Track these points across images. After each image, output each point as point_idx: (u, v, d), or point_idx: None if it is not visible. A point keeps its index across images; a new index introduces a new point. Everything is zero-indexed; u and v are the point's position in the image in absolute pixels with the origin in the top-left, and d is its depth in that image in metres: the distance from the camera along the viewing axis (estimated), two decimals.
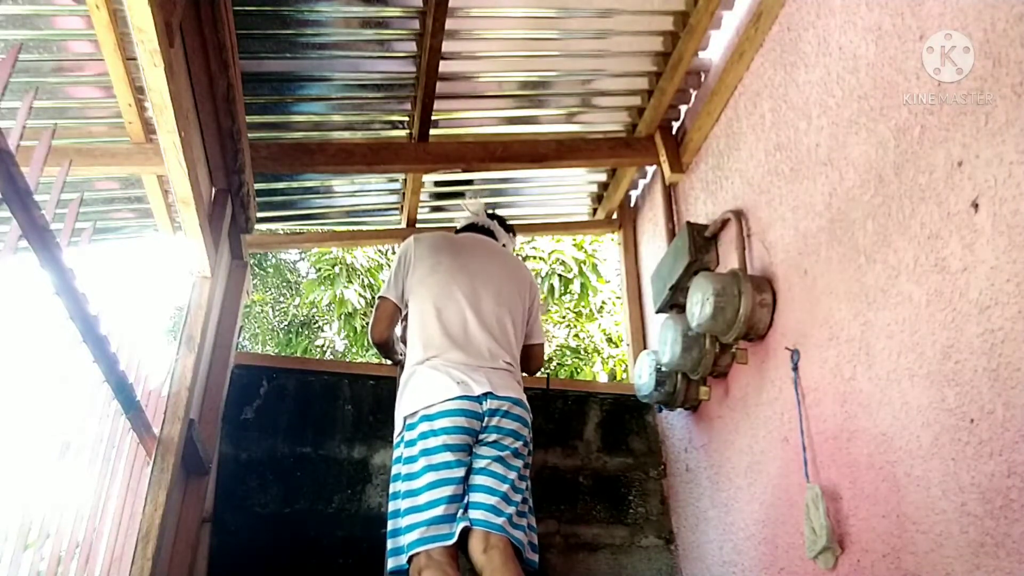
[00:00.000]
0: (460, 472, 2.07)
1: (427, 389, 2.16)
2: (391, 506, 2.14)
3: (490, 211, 2.86)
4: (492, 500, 2.05)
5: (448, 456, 2.07)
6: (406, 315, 2.45)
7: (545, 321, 7.63)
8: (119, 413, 1.96)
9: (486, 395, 2.15)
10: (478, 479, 2.10)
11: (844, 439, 2.00)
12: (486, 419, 2.14)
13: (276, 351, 8.72)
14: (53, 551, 1.66)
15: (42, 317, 1.59)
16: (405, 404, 2.21)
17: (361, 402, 3.10)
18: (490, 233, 2.73)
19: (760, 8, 2.55)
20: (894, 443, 1.81)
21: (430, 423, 2.11)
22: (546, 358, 7.42)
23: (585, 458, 3.21)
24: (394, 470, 2.19)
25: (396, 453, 2.21)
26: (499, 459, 2.13)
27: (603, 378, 7.33)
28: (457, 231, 2.79)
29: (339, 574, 2.76)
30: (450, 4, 2.60)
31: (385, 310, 2.47)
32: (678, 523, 3.08)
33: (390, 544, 2.09)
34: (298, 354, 8.22)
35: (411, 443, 2.13)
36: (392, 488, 2.17)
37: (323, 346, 8.71)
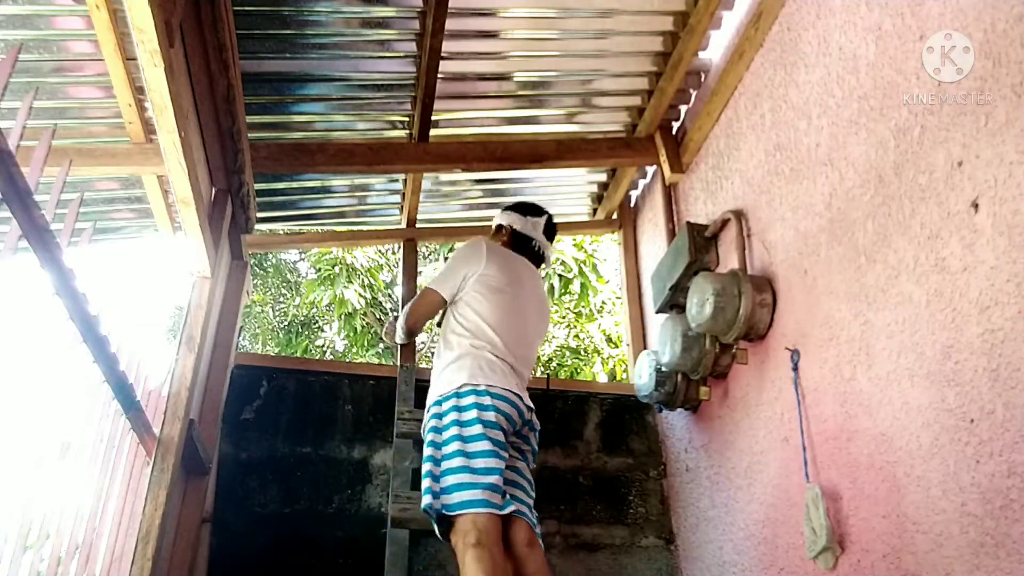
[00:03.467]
0: (507, 456, 2.14)
1: (491, 371, 2.22)
2: (430, 451, 2.11)
3: (546, 215, 2.74)
4: (529, 500, 2.19)
5: (501, 436, 2.13)
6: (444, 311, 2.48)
7: None
8: (119, 413, 1.96)
9: (525, 404, 2.29)
10: (516, 476, 2.20)
11: (844, 439, 2.00)
12: (522, 424, 2.27)
13: (276, 351, 8.71)
14: (53, 552, 1.66)
15: (42, 317, 1.59)
16: (464, 373, 2.20)
17: (361, 402, 3.10)
18: (539, 256, 2.69)
19: (760, 8, 2.55)
20: (894, 443, 1.81)
21: (492, 399, 2.16)
22: (546, 358, 7.48)
23: (585, 458, 3.21)
24: (444, 421, 2.15)
25: (443, 408, 2.18)
26: (528, 464, 2.29)
27: (603, 378, 7.32)
28: (511, 241, 2.67)
29: (339, 574, 2.76)
30: (450, 4, 2.60)
31: (432, 302, 2.47)
32: (678, 523, 3.08)
33: (430, 485, 2.05)
34: (298, 354, 8.21)
35: (465, 408, 2.14)
36: (434, 437, 2.14)
37: (323, 346, 8.70)
